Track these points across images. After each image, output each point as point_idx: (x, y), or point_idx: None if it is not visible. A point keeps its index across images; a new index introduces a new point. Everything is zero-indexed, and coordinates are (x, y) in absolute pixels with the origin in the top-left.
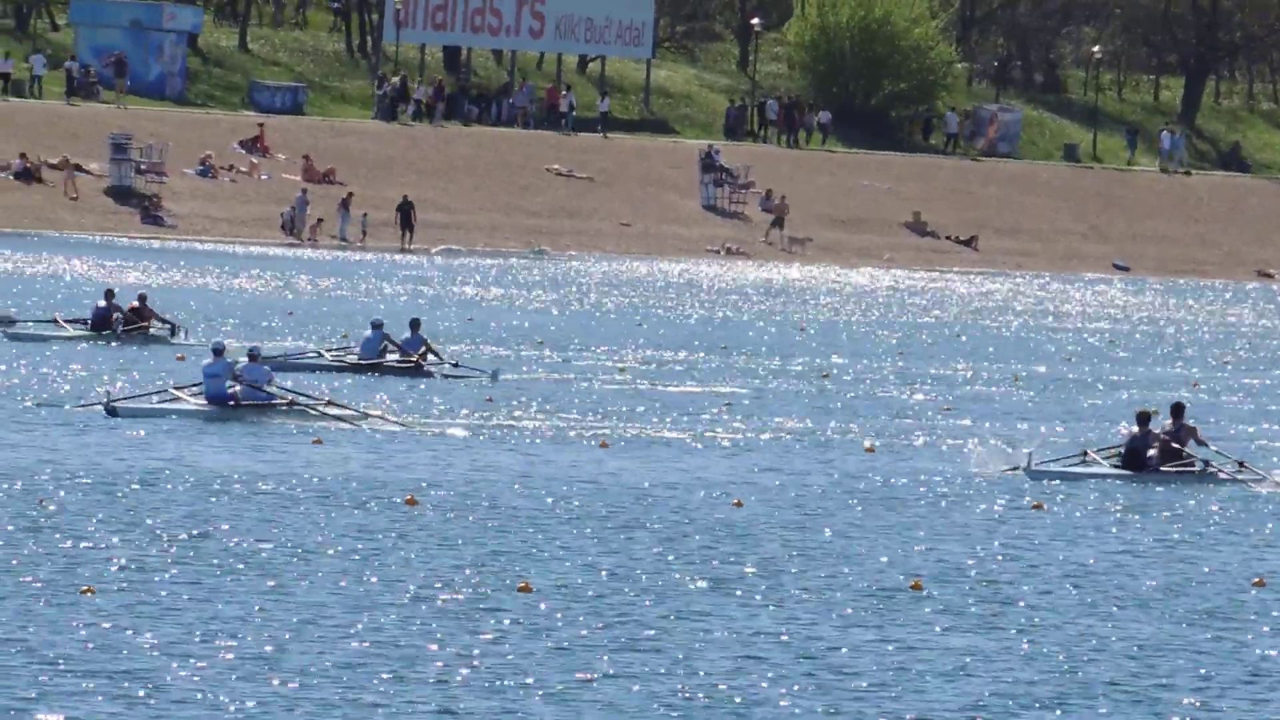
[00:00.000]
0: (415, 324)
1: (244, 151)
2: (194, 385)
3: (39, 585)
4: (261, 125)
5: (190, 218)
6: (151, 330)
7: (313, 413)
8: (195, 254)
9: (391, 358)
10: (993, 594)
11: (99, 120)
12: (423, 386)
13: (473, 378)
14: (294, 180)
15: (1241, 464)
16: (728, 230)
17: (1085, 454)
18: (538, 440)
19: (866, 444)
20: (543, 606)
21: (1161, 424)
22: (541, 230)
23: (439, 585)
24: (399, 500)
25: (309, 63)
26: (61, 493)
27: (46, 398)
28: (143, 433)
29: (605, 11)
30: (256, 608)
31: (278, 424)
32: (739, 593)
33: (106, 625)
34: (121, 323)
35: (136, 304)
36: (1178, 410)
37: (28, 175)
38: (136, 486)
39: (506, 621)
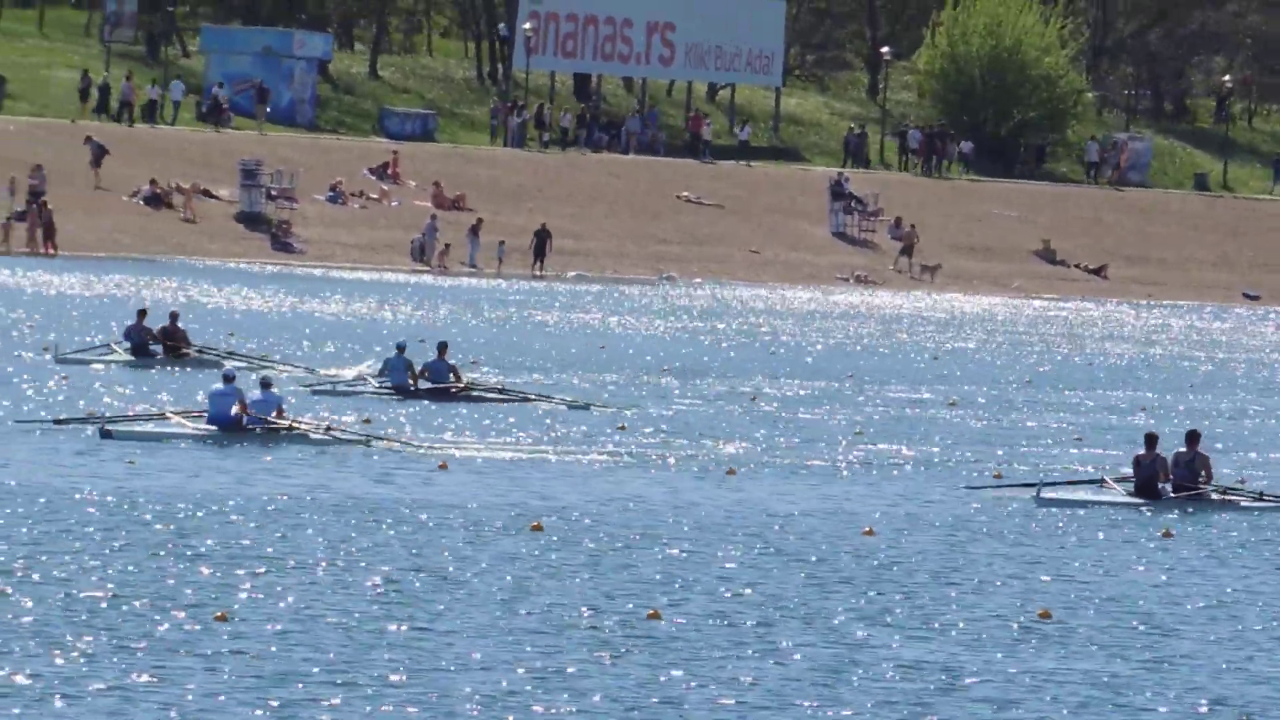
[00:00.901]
0: (442, 347)
1: (374, 178)
2: (195, 410)
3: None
4: (395, 153)
5: (320, 244)
6: (192, 354)
7: (314, 437)
8: (325, 280)
9: (424, 383)
10: (1129, 624)
11: (230, 147)
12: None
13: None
14: (424, 207)
15: (1261, 494)
16: (857, 258)
17: (1104, 480)
18: (667, 468)
19: (995, 471)
20: (672, 633)
21: (1175, 451)
22: (671, 257)
23: (572, 612)
24: (525, 527)
25: (439, 89)
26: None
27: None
28: (271, 458)
29: (735, 40)
30: (400, 637)
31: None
32: (872, 621)
33: (283, 651)
34: (157, 341)
35: (168, 324)
36: (1193, 437)
37: (157, 200)
38: (281, 513)
39: (636, 648)
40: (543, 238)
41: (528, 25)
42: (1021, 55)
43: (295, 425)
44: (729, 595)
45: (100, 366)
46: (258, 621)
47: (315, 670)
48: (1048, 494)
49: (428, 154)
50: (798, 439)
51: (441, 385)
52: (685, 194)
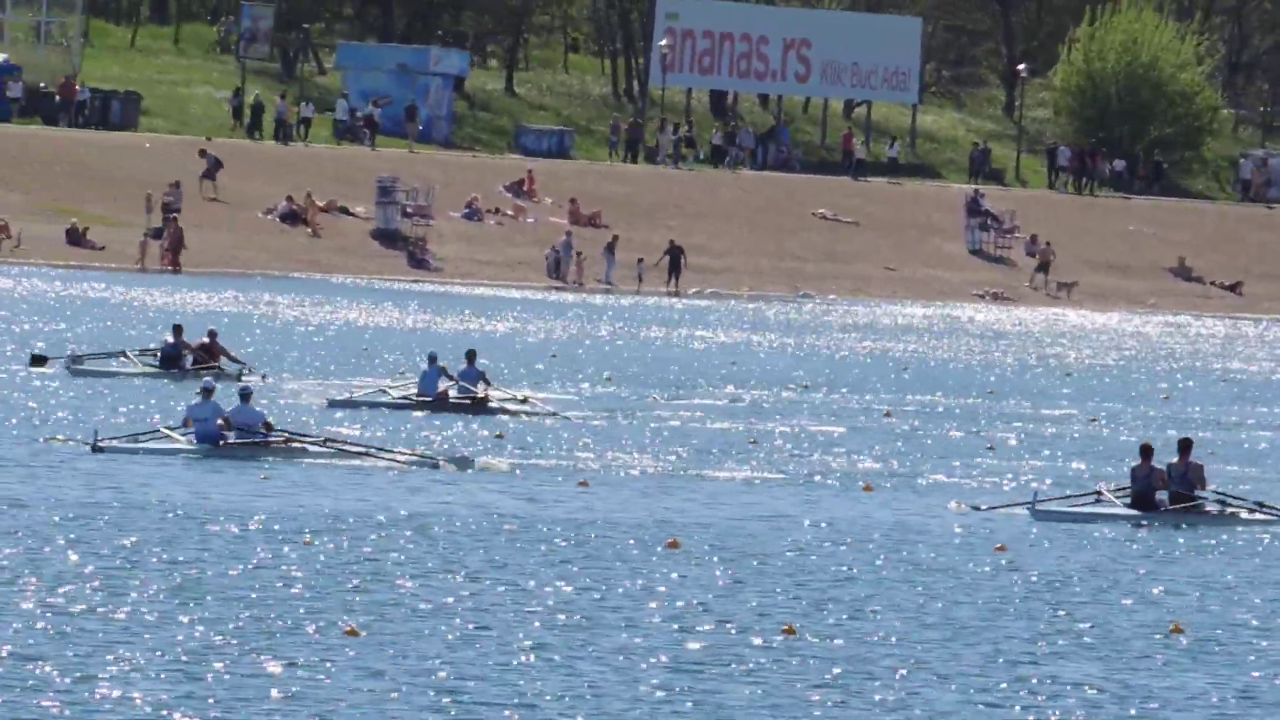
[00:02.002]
0: (471, 355)
1: (510, 195)
2: (184, 426)
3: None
4: (530, 170)
5: (456, 261)
6: (222, 368)
7: (310, 450)
8: (461, 298)
9: (453, 392)
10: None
11: (367, 164)
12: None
13: (536, 416)
14: (560, 224)
15: (1260, 505)
16: (993, 274)
17: (1099, 492)
18: (800, 483)
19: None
20: (807, 649)
21: (1168, 461)
22: (806, 274)
23: (707, 629)
24: (661, 543)
25: (575, 106)
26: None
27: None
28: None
29: (872, 57)
30: (564, 655)
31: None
32: (1019, 637)
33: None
34: (191, 360)
35: (206, 340)
36: (1185, 446)
37: (294, 217)
38: (386, 534)
39: (772, 663)
40: (675, 254)
41: (664, 42)
42: (1158, 72)
43: (290, 439)
44: (866, 610)
45: (111, 377)
46: (412, 636)
47: (488, 688)
48: (1042, 507)
49: (563, 171)
50: (933, 455)
51: (467, 395)
52: (821, 211)
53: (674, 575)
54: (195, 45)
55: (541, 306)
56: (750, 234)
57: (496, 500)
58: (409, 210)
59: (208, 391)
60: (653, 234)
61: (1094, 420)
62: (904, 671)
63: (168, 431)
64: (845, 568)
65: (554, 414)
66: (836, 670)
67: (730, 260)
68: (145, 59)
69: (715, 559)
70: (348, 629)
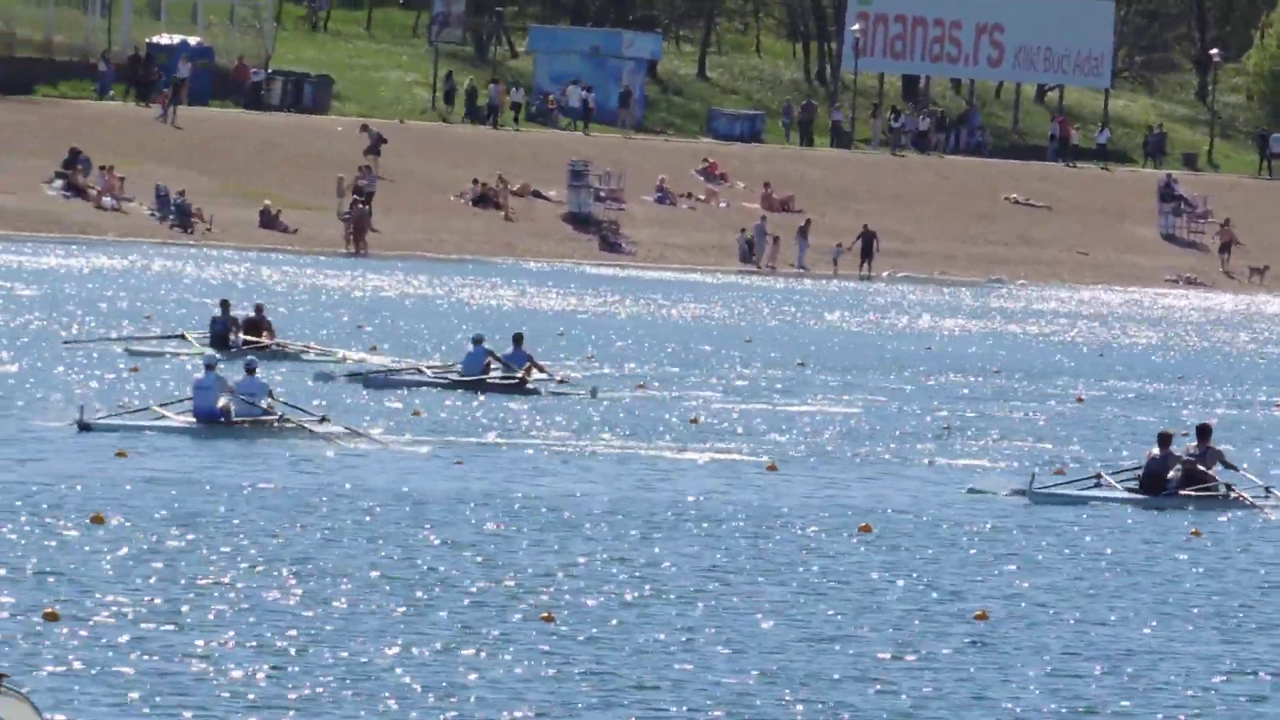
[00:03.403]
0: (518, 338)
1: (702, 179)
2: (178, 402)
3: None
4: (708, 157)
5: (648, 244)
6: (273, 347)
7: (305, 430)
8: (653, 282)
9: (496, 374)
10: None
11: (559, 147)
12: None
13: (574, 395)
14: (752, 208)
15: (1269, 489)
16: (1186, 259)
17: (1099, 476)
18: (993, 468)
19: None
20: (1000, 634)
21: (1185, 446)
22: (998, 259)
23: (901, 612)
24: (854, 528)
25: (767, 90)
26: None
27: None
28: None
29: (1064, 41)
30: (770, 637)
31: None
32: (1186, 629)
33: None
34: (239, 334)
35: (253, 314)
36: (1204, 432)
37: (485, 200)
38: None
39: (965, 649)
40: (868, 239)
41: (856, 27)
42: None
43: (288, 420)
44: (1056, 597)
45: (169, 358)
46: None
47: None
48: (1040, 489)
49: (755, 155)
50: (1127, 441)
51: (510, 377)
52: (1014, 195)
53: (866, 559)
54: (386, 29)
55: (734, 290)
56: (942, 218)
57: (688, 487)
58: (601, 194)
59: (210, 366)
60: (844, 218)
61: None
62: (1085, 653)
63: (158, 409)
64: (1034, 551)
65: (590, 391)
66: (1025, 653)
67: (922, 245)
68: (337, 43)
69: (906, 544)
70: (544, 615)
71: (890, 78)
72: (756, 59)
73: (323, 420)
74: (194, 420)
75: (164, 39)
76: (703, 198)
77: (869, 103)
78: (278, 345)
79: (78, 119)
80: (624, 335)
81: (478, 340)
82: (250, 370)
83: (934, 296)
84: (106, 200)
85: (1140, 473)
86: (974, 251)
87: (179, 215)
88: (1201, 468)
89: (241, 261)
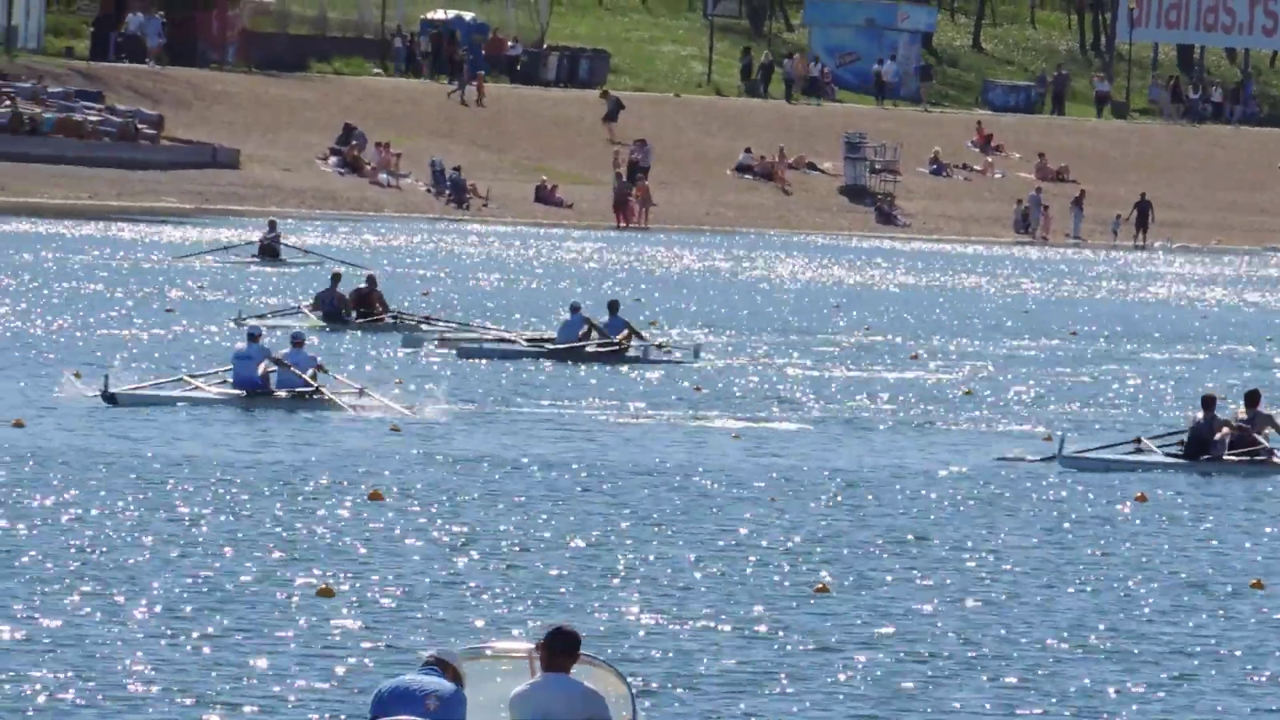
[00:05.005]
0: (614, 306)
1: (977, 150)
2: (212, 373)
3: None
4: (980, 123)
5: (923, 217)
6: (386, 319)
7: (340, 403)
8: (927, 254)
9: (593, 339)
10: None
11: (833, 120)
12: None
13: (675, 360)
14: (1027, 179)
15: None
16: None
17: (1139, 440)
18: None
19: None
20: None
21: (1234, 412)
22: (1274, 228)
23: (1179, 589)
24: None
25: (1041, 61)
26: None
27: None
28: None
29: None
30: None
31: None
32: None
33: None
34: (350, 307)
35: (364, 286)
36: (1253, 398)
37: (761, 174)
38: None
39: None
40: (1144, 208)
41: None
42: None
43: (322, 392)
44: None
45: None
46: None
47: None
48: (1070, 450)
49: (1030, 126)
50: None
51: (610, 343)
52: None
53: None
54: (662, 3)
55: (1010, 261)
56: (1217, 188)
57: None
58: (877, 166)
59: (254, 337)
60: (1119, 188)
61: None
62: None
63: (190, 379)
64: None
65: (694, 350)
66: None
67: (1197, 214)
68: (613, 17)
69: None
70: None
71: (1165, 47)
72: (1031, 30)
73: (362, 392)
74: (231, 390)
75: (439, 14)
76: (978, 169)
77: (1144, 72)
78: (394, 317)
79: (361, 94)
80: (897, 306)
81: (575, 308)
82: (297, 343)
83: (1209, 267)
84: (382, 176)
85: (1185, 437)
86: (1250, 221)
87: (455, 190)
88: (1252, 434)
89: (513, 239)
